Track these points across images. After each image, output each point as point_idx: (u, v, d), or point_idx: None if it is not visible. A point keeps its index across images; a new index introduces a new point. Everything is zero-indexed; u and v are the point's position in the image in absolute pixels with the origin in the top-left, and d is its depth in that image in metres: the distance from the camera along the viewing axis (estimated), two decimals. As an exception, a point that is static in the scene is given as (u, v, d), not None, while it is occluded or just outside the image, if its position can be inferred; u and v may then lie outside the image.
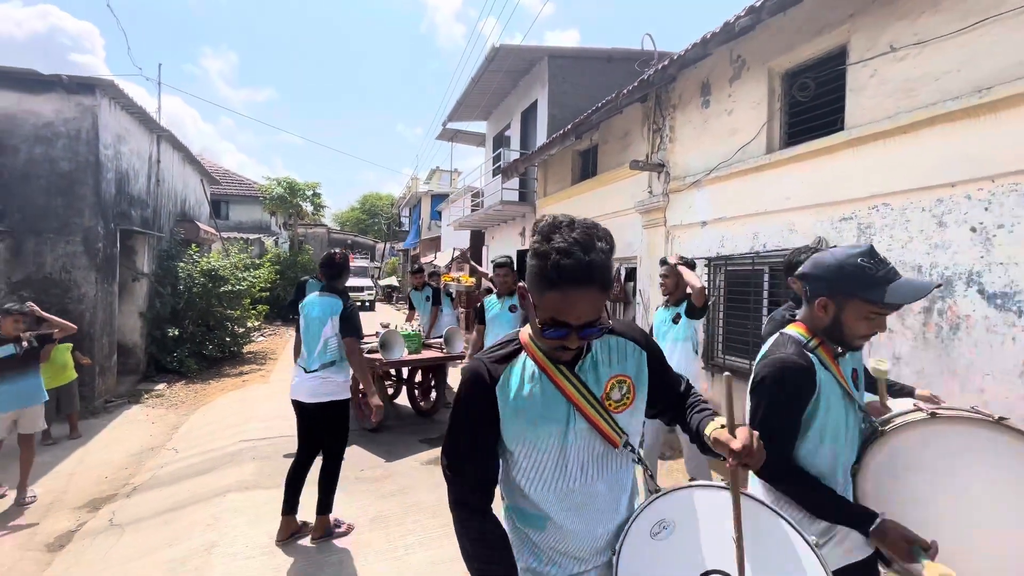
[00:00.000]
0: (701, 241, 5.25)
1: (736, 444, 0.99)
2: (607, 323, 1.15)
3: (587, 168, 8.05)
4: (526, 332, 1.17)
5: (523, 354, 1.15)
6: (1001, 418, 1.33)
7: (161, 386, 7.38)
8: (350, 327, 2.97)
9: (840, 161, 3.76)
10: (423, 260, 21.21)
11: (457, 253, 15.81)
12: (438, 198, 23.20)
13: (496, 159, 12.19)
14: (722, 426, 1.04)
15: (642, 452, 1.23)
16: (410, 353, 5.08)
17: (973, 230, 2.98)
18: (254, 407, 6.25)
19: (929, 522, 1.27)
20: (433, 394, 5.85)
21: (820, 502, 1.29)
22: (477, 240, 14.32)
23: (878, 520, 1.23)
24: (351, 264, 3.80)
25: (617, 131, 6.91)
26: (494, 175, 11.12)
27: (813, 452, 1.33)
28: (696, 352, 3.44)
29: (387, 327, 5.30)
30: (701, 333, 3.49)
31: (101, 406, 6.25)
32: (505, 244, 11.68)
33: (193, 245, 9.61)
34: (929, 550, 1.17)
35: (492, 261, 4.37)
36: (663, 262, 3.53)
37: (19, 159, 5.94)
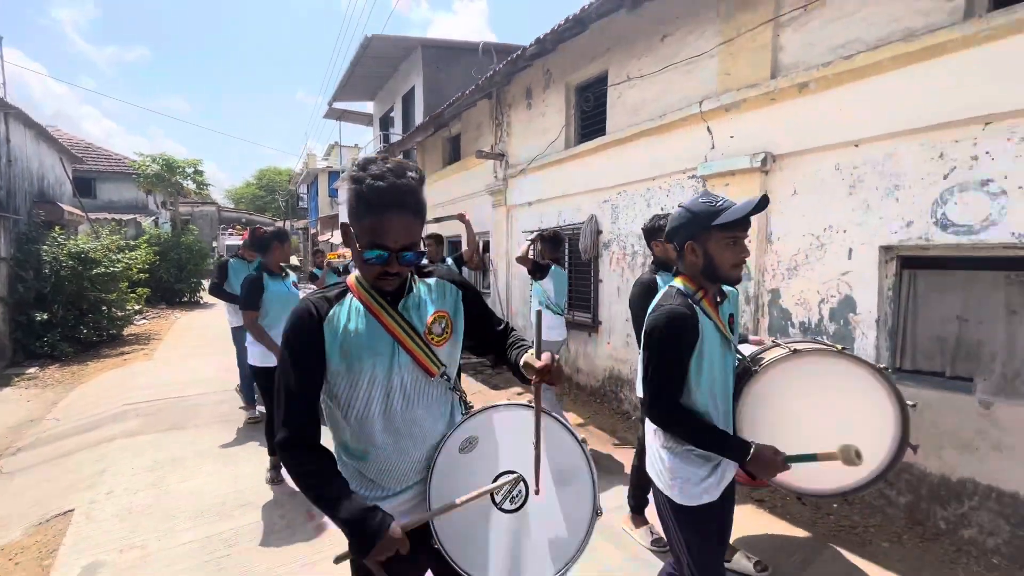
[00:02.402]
0: (529, 218, 6.52)
1: (539, 364, 1.14)
2: (422, 252, 1.25)
3: (455, 153, 9.05)
4: (353, 276, 1.25)
5: (350, 295, 1.21)
6: (843, 348, 1.66)
7: (33, 369, 7.41)
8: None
9: (602, 159, 5.11)
10: (321, 239, 21.11)
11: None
12: (336, 175, 22.92)
13: (385, 139, 12.78)
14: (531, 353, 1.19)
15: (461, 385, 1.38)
16: None
17: (662, 208, 4.44)
18: (136, 379, 6.65)
19: (801, 434, 1.54)
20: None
21: (706, 440, 1.47)
22: (371, 218, 14.85)
23: (752, 449, 1.42)
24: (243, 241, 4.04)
25: (473, 122, 7.96)
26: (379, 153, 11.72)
27: (696, 391, 1.51)
28: (559, 312, 4.07)
29: None
30: (551, 293, 4.08)
31: (-33, 390, 6.29)
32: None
33: (56, 227, 9.27)
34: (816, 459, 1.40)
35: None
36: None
37: None
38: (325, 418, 1.21)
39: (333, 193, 22.52)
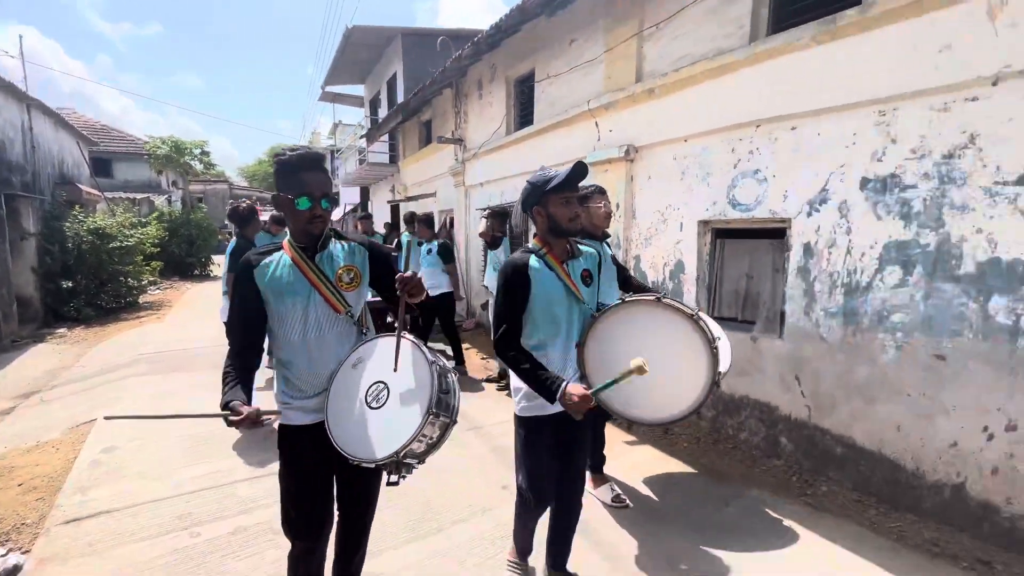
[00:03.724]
0: (481, 197, 7.37)
1: (400, 276, 1.51)
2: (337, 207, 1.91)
3: (428, 138, 9.85)
4: (287, 240, 1.61)
5: (281, 251, 1.61)
6: (659, 297, 1.80)
7: (62, 330, 8.61)
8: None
9: (530, 146, 5.92)
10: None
11: (348, 208, 17.14)
12: (337, 154, 23.72)
13: (374, 122, 13.58)
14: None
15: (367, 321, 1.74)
16: None
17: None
18: (148, 337, 7.78)
19: (619, 374, 1.68)
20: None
21: (526, 377, 1.76)
22: (364, 195, 15.78)
23: (560, 390, 1.65)
24: (260, 217, 4.41)
25: (441, 110, 8.75)
26: (360, 138, 12.57)
27: (534, 327, 1.82)
28: None
29: None
30: (503, 259, 5.08)
31: (9, 344, 7.49)
32: (382, 197, 13.34)
33: (76, 206, 10.37)
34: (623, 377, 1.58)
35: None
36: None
37: None
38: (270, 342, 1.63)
39: (333, 171, 23.36)
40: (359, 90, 15.32)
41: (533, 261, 1.80)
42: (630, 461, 3.41)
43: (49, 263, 9.16)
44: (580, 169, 1.77)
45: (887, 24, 2.62)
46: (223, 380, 1.53)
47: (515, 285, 1.77)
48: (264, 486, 3.02)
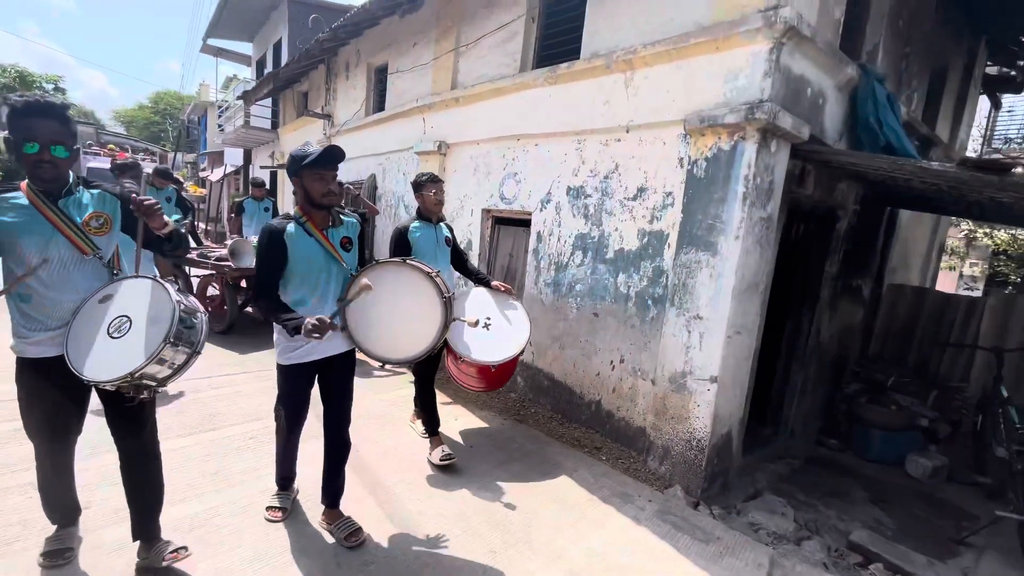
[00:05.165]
0: (346, 172, 7.90)
1: (136, 199, 1.69)
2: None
3: (306, 107, 10.05)
4: (26, 182, 1.69)
5: (19, 192, 1.67)
6: (405, 259, 2.22)
7: None
8: None
9: (381, 130, 6.60)
10: (203, 174, 20.75)
11: (231, 169, 16.42)
12: (225, 110, 22.25)
13: (261, 85, 13.23)
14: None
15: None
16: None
17: (404, 174, 6.04)
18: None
19: (379, 315, 2.16)
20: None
21: (277, 319, 2.00)
22: (248, 158, 15.28)
23: (303, 323, 1.85)
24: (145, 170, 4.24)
25: (316, 83, 9.05)
26: (237, 99, 12.31)
27: (292, 285, 2.06)
28: None
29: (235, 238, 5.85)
30: None
31: None
32: (262, 162, 13.15)
33: None
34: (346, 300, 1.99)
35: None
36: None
37: None
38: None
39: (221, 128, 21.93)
40: (247, 48, 14.74)
41: (291, 227, 2.03)
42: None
43: None
44: (332, 151, 1.98)
45: (582, 79, 3.71)
46: None
47: (272, 247, 2.00)
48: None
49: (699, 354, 3.01)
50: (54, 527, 2.01)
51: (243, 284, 5.63)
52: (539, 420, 4.00)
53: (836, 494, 3.58)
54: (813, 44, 2.82)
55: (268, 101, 11.82)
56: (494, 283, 3.19)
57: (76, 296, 1.73)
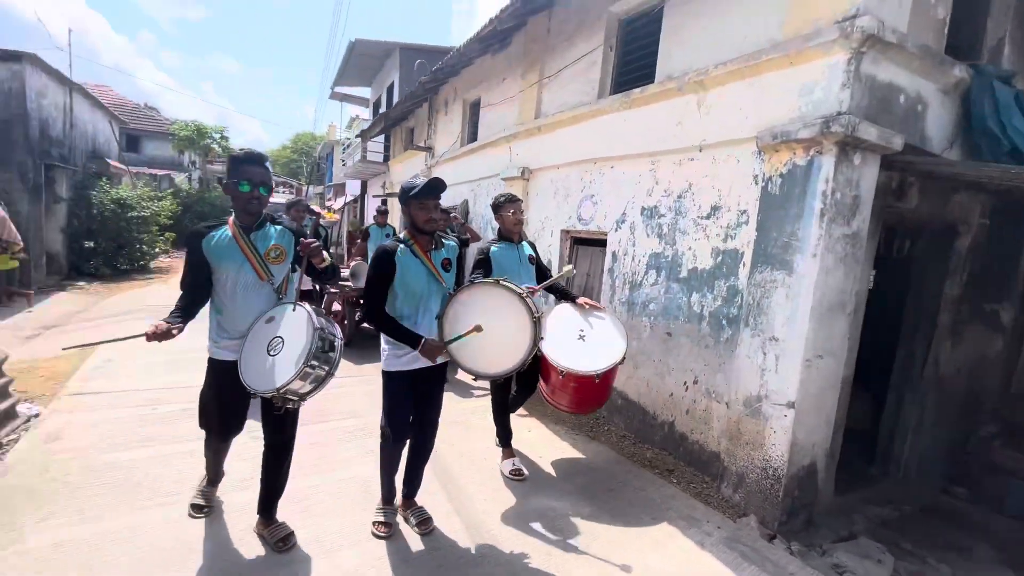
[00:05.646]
0: (443, 198, 8.57)
1: (303, 241, 2.07)
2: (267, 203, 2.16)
3: (412, 142, 11.12)
4: (232, 219, 2.14)
5: (225, 227, 2.12)
6: (498, 280, 2.31)
7: (82, 283, 10.03)
8: None
9: (474, 159, 7.13)
10: (328, 203, 23.50)
11: (350, 199, 18.47)
12: (348, 146, 25.14)
13: (375, 124, 14.89)
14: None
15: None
16: None
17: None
18: (153, 294, 9.16)
19: (462, 332, 2.21)
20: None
21: (393, 333, 2.23)
22: (363, 187, 17.12)
23: (422, 343, 2.17)
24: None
25: (421, 119, 10.02)
26: (356, 137, 13.91)
27: (399, 302, 2.27)
28: None
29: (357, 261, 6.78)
30: None
31: (36, 290, 8.89)
32: (376, 191, 14.66)
33: (104, 178, 11.82)
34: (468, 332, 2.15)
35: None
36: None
37: (-36, 109, 8.18)
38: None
39: (343, 162, 24.75)
40: (367, 92, 16.67)
41: (400, 249, 2.25)
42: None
43: (76, 225, 10.60)
44: (432, 184, 2.21)
45: (654, 102, 3.79)
46: (178, 303, 2.14)
47: (383, 266, 2.22)
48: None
49: (775, 377, 2.88)
50: (204, 483, 2.56)
51: (362, 302, 6.30)
52: (611, 439, 4.02)
53: (955, 549, 3.12)
54: (902, 49, 2.64)
55: (381, 137, 13.25)
56: (580, 299, 3.14)
57: (252, 314, 2.14)
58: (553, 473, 3.34)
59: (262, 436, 2.28)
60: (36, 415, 3.56)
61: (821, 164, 2.68)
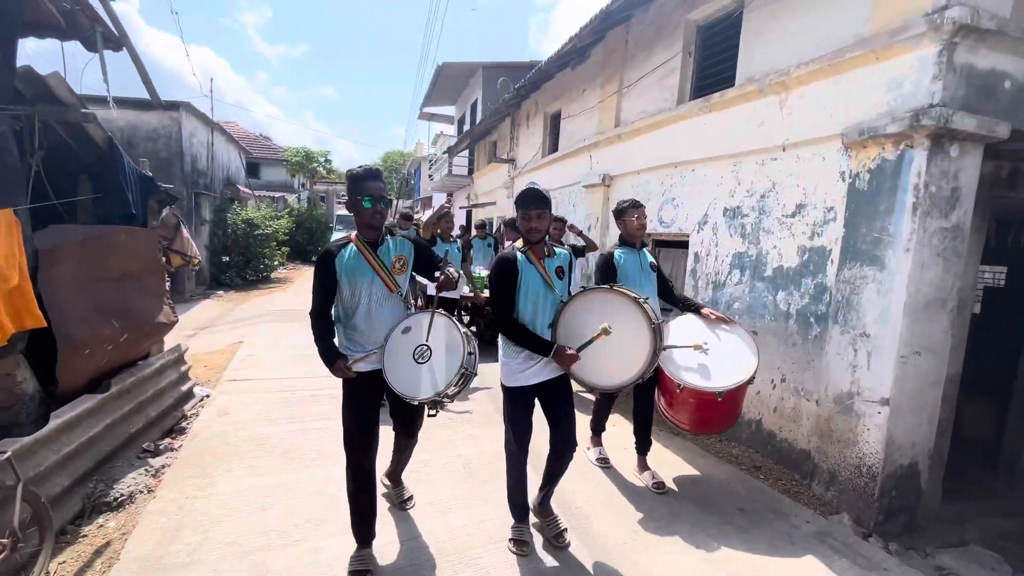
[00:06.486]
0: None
1: (440, 276, 2.14)
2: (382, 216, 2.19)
3: (495, 155, 11.72)
4: (354, 234, 2.20)
5: (351, 244, 2.18)
6: (612, 285, 2.29)
7: (221, 292, 11.77)
8: None
9: (557, 168, 7.45)
10: (416, 216, 25.04)
11: (444, 207, 19.63)
12: (434, 162, 26.70)
13: (461, 140, 15.83)
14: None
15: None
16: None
17: (574, 206, 6.70)
18: (275, 301, 10.54)
19: (590, 337, 2.17)
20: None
21: (524, 340, 2.23)
22: (449, 201, 18.17)
23: (554, 348, 2.17)
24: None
25: (503, 134, 10.56)
26: (443, 152, 14.82)
27: (521, 309, 2.27)
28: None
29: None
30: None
31: (188, 298, 10.62)
32: (461, 203, 15.53)
33: (235, 202, 13.76)
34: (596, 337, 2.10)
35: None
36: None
37: (139, 151, 10.06)
38: (336, 308, 2.23)
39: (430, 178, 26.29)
40: (451, 110, 17.73)
41: (519, 257, 2.27)
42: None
43: (215, 243, 12.46)
44: (528, 193, 2.22)
45: (734, 105, 3.86)
46: (315, 332, 2.15)
47: (508, 273, 2.24)
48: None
49: (867, 374, 2.85)
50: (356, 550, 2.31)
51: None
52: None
53: (1092, 567, 2.84)
54: (1004, 35, 2.54)
55: (465, 152, 14.07)
56: (704, 310, 2.97)
57: (385, 326, 2.20)
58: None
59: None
60: (207, 395, 4.42)
61: (912, 158, 2.65)
